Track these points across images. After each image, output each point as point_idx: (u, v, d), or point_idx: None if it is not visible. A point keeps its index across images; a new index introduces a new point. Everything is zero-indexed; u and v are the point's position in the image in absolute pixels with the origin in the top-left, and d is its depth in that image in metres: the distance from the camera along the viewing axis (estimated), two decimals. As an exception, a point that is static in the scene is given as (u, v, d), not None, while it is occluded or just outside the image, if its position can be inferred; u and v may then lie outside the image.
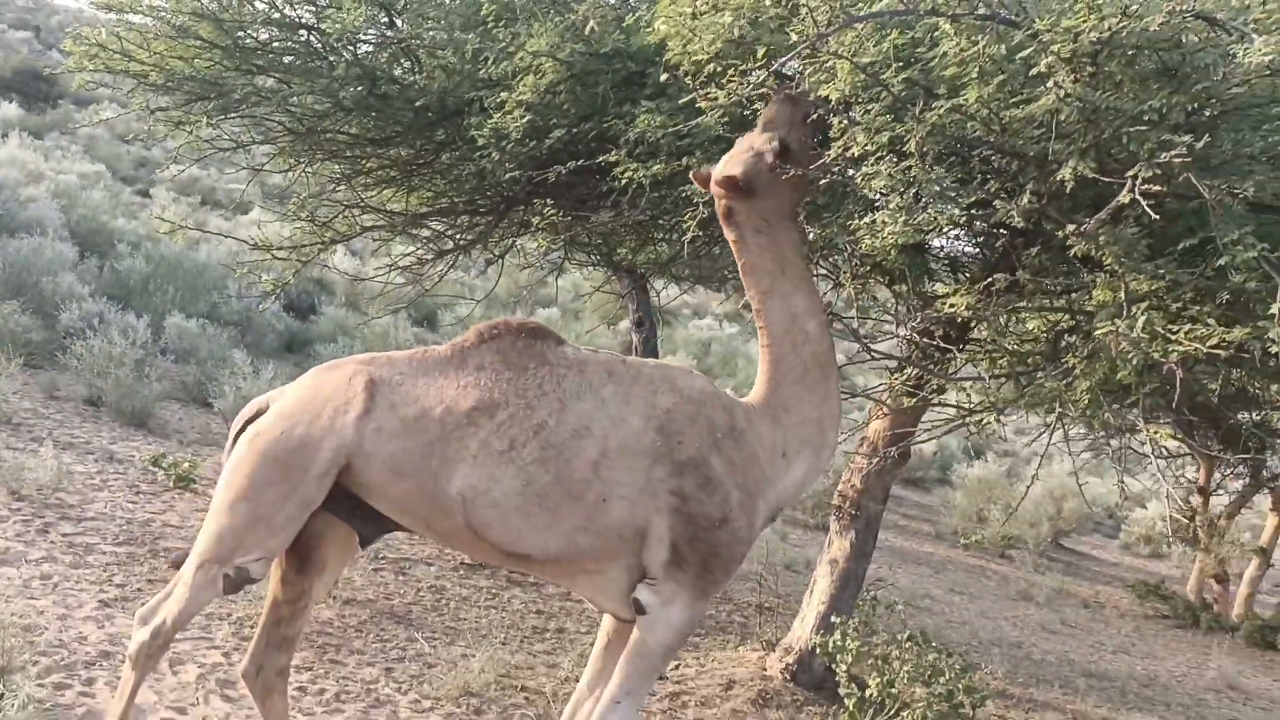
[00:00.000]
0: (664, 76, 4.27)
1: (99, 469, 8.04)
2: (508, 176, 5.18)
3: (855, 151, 3.35)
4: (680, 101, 4.43)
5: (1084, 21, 2.62)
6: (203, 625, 5.68)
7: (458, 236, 6.71)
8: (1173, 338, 3.01)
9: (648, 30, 4.53)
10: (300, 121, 5.86)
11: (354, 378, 3.81)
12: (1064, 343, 3.55)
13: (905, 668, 5.87)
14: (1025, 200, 3.03)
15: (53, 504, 6.92)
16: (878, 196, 3.51)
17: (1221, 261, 2.80)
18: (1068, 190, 2.91)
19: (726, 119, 4.26)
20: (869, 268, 4.06)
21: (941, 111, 3.00)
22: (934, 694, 5.84)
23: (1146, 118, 2.72)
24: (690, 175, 4.04)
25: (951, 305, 3.81)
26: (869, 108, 3.22)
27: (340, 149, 6.07)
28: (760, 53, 3.58)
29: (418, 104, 5.26)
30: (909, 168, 3.11)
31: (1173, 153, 2.55)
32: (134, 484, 7.91)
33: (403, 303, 8.73)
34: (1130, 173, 2.66)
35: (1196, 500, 13.34)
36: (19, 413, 8.83)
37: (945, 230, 3.15)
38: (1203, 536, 13.15)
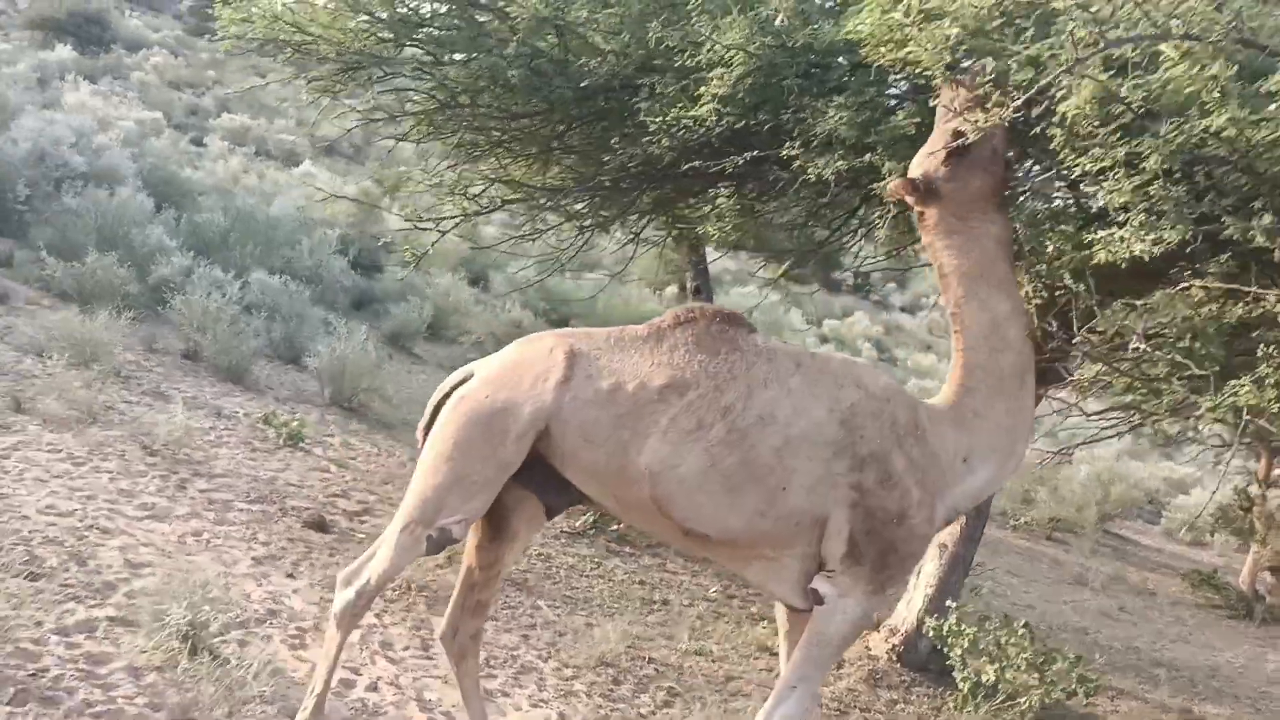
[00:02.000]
0: (847, 76, 4.40)
1: (211, 424, 8.22)
2: (670, 161, 5.28)
3: (1088, 166, 3.44)
4: (865, 98, 4.54)
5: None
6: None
7: (600, 212, 6.83)
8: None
9: (835, 27, 4.63)
10: (454, 95, 5.97)
11: (555, 349, 3.98)
12: (1259, 353, 3.63)
13: (1023, 655, 6.03)
14: (1267, 220, 3.13)
15: (182, 459, 7.10)
16: (1112, 212, 3.57)
17: None
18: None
19: (917, 119, 4.37)
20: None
21: (1189, 131, 3.10)
22: (1048, 682, 6.02)
23: None
24: (886, 192, 4.12)
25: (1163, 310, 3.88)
26: (1104, 125, 3.31)
27: (487, 122, 6.17)
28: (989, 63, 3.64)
29: (583, 84, 5.36)
30: (1148, 184, 3.22)
31: None
32: (247, 441, 8.10)
33: (525, 282, 8.51)
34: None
35: (1256, 491, 13.42)
36: (125, 365, 9.00)
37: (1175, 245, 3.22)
38: (1260, 528, 13.24)
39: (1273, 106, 3.17)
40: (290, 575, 5.92)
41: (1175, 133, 3.14)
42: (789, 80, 4.70)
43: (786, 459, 3.82)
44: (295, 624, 5.29)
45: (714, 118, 4.55)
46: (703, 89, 4.61)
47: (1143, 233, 3.23)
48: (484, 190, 6.68)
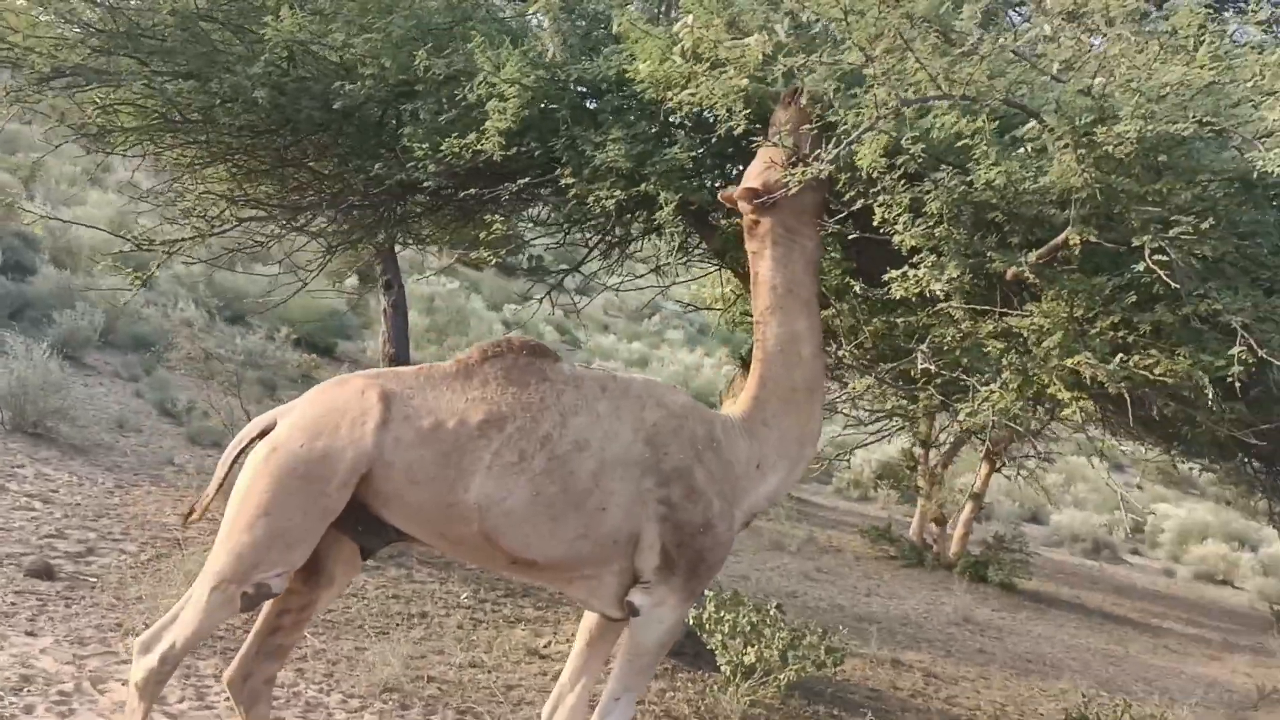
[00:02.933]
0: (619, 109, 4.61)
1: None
2: (436, 184, 5.26)
3: (879, 215, 3.83)
4: (637, 130, 4.75)
5: (1108, 129, 3.21)
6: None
7: (346, 230, 6.63)
8: (1125, 367, 3.73)
9: (604, 61, 4.80)
10: (180, 110, 5.64)
11: (366, 391, 3.96)
12: (1004, 361, 4.19)
13: (779, 634, 6.53)
14: (1033, 257, 3.62)
15: None
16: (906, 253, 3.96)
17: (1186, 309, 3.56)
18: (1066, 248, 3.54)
19: (692, 150, 4.63)
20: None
21: (968, 182, 3.53)
22: (802, 658, 6.55)
23: (1150, 199, 3.38)
24: (720, 197, 4.33)
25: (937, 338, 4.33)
26: (891, 176, 3.69)
27: (220, 137, 5.87)
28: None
29: (334, 105, 5.23)
30: (934, 228, 3.63)
31: (1177, 230, 3.22)
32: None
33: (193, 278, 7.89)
34: (1139, 242, 3.33)
35: (919, 451, 14.95)
36: None
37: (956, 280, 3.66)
38: (924, 484, 14.77)
39: (1021, 150, 3.66)
40: (31, 633, 5.43)
41: (954, 181, 3.56)
42: (561, 111, 4.82)
43: (603, 481, 4.00)
44: (56, 688, 4.88)
45: (497, 148, 4.59)
46: (485, 119, 4.64)
47: (936, 272, 3.64)
48: (222, 211, 6.35)
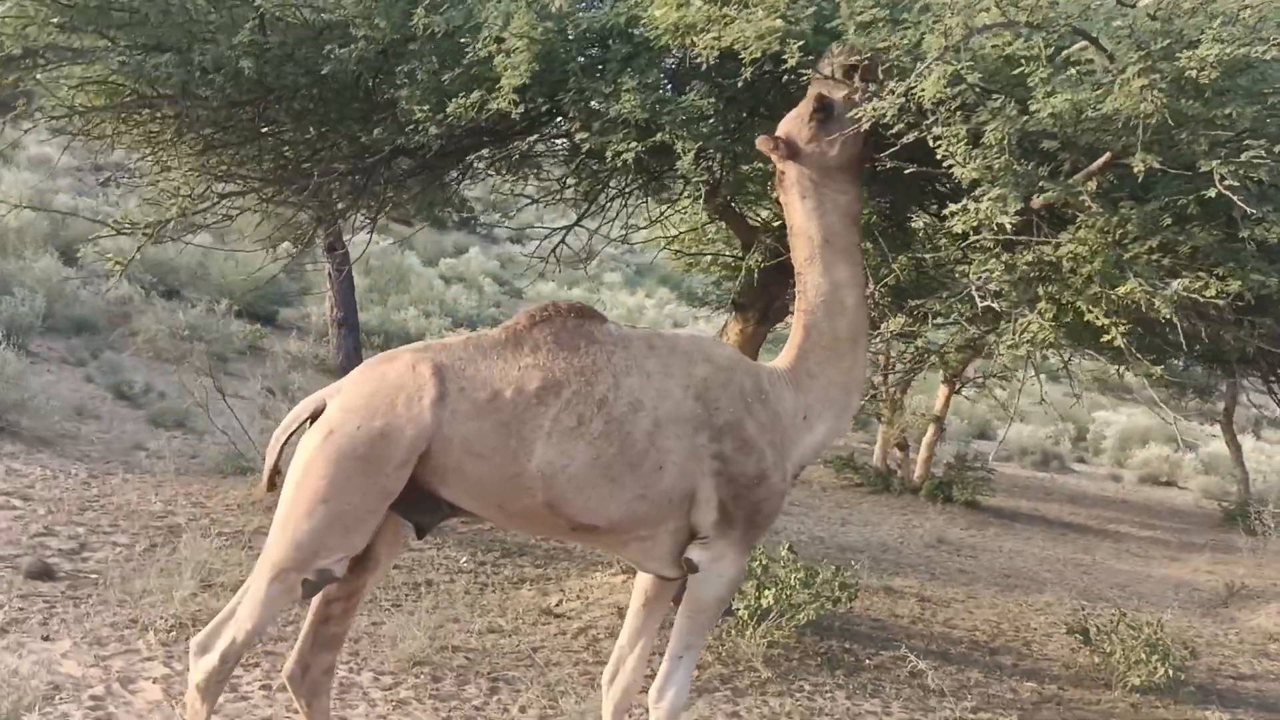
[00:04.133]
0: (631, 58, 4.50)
1: None
2: (437, 147, 5.10)
3: (942, 148, 3.78)
4: (649, 80, 4.64)
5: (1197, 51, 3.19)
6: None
7: (329, 200, 6.41)
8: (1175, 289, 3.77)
9: (613, 11, 4.67)
10: (153, 84, 5.39)
11: (417, 365, 3.86)
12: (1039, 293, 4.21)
13: (795, 575, 6.58)
14: (1092, 185, 3.60)
15: None
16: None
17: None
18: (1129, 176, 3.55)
19: (711, 98, 4.54)
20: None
21: (1030, 110, 3.50)
22: (820, 596, 6.62)
23: (1220, 123, 3.39)
24: (756, 143, 4.24)
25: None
26: (948, 107, 3.64)
27: (196, 113, 5.63)
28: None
29: (323, 71, 5.03)
30: (994, 159, 3.59)
31: (1249, 154, 3.23)
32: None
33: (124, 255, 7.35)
34: (1207, 168, 3.33)
35: (879, 379, 15.09)
36: None
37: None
38: (885, 410, 14.94)
39: (1072, 72, 3.62)
40: (47, 638, 5.27)
41: (1014, 110, 3.52)
42: (570, 63, 4.69)
43: (659, 440, 3.96)
44: (87, 693, 4.75)
45: (510, 105, 4.46)
46: (490, 76, 4.50)
47: (1000, 205, 3.61)
48: (205, 189, 6.10)
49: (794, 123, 4.17)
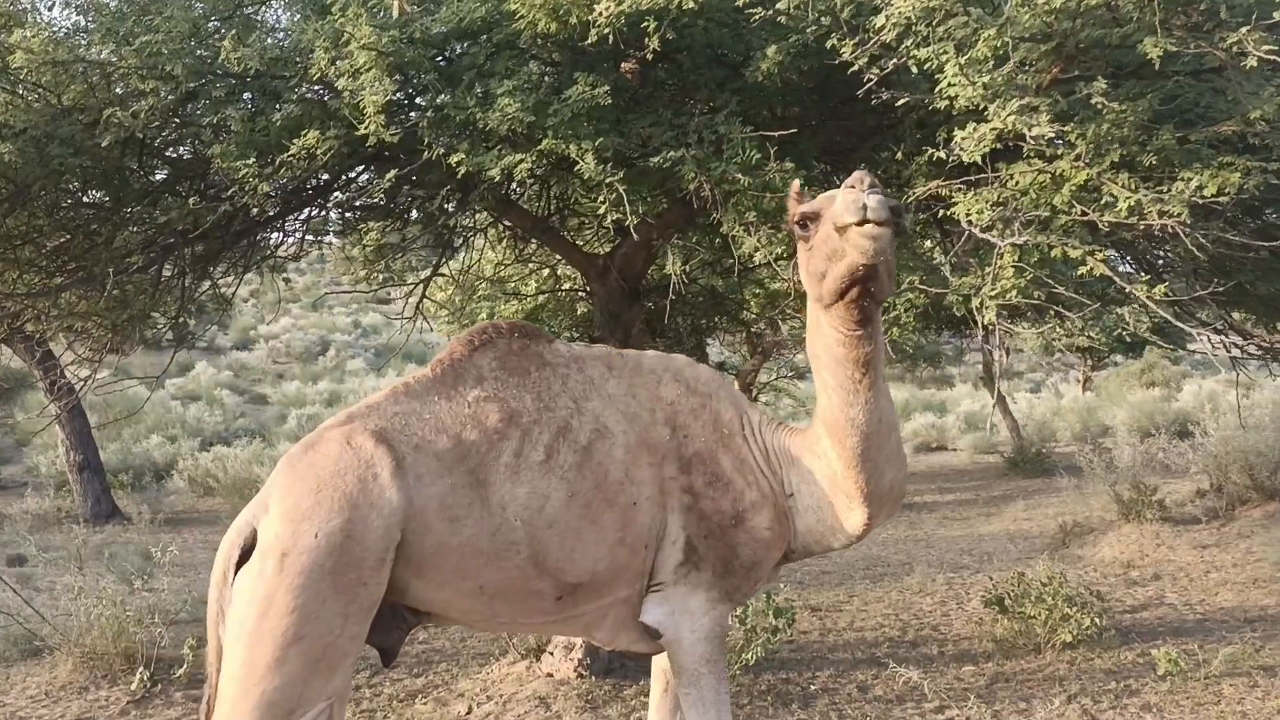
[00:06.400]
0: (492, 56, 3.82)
1: None
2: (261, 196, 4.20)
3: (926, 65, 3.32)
4: (524, 79, 3.98)
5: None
6: None
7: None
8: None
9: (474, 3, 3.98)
10: None
11: (353, 439, 3.16)
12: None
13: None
14: (1102, 85, 3.22)
15: None
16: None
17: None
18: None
19: (605, 87, 3.92)
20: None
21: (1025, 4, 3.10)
22: (752, 630, 6.10)
23: None
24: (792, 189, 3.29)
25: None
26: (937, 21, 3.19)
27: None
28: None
29: (102, 143, 4.06)
30: (990, 75, 3.17)
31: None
32: None
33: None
34: (1234, 39, 3.03)
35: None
36: None
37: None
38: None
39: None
40: None
41: (1011, 10, 3.13)
42: (426, 76, 3.96)
43: (632, 471, 3.38)
44: None
45: (378, 129, 3.67)
46: (323, 112, 3.71)
47: (1026, 117, 3.19)
48: None
49: (798, 204, 3.22)
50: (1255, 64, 3.04)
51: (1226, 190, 3.40)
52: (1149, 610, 8.15)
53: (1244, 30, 3.03)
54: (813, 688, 6.38)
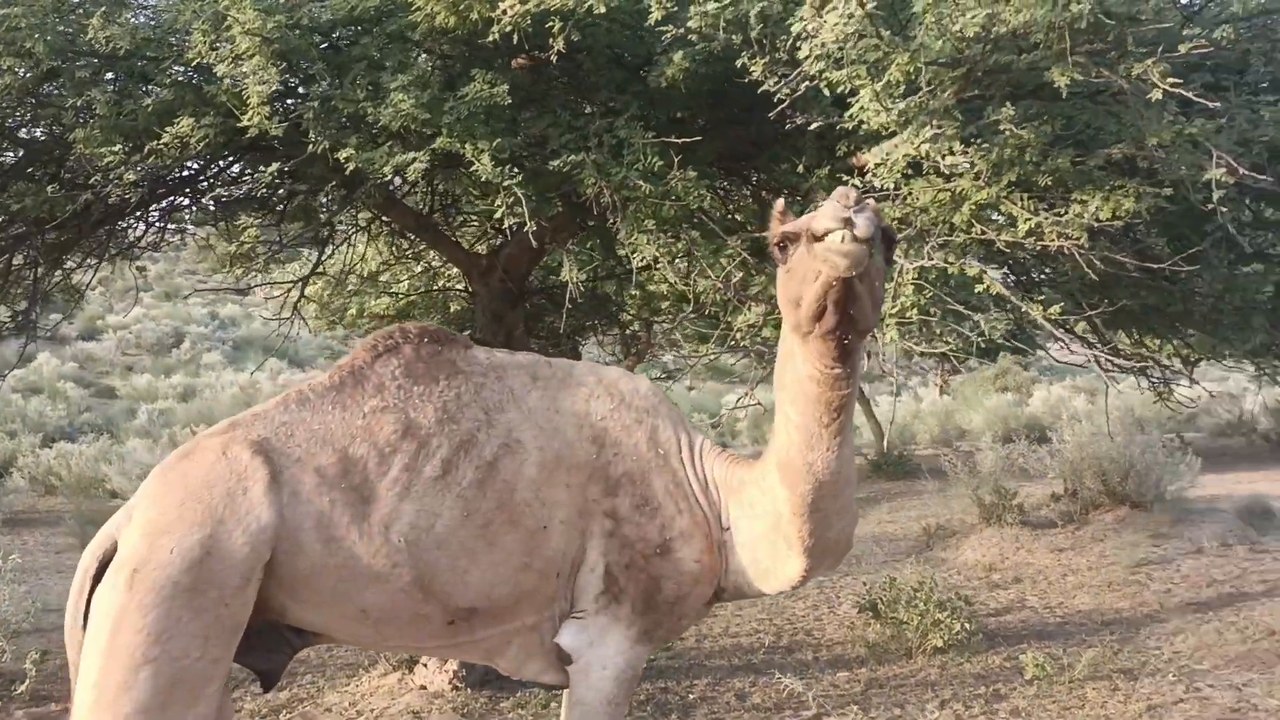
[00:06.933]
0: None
1: None
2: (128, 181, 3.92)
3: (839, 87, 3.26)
4: (418, 73, 3.81)
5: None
6: None
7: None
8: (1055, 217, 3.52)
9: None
10: None
11: (229, 449, 2.95)
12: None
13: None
14: (1009, 111, 3.21)
15: None
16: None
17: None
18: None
19: (505, 84, 3.77)
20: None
21: (952, 30, 3.06)
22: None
23: (1145, 18, 3.12)
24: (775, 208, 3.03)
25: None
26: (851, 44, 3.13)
27: None
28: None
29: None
30: (903, 100, 3.13)
31: (1190, 45, 2.99)
32: None
33: None
34: (1139, 70, 3.05)
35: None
36: None
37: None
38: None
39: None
40: None
41: (923, 38, 3.09)
42: (315, 66, 3.75)
43: (544, 491, 3.18)
44: None
45: (261, 120, 3.45)
46: (195, 97, 3.48)
47: (935, 143, 3.16)
48: None
49: (778, 223, 2.96)
50: (1160, 95, 3.08)
51: (1120, 214, 3.46)
52: (1012, 613, 8.36)
53: (1150, 61, 3.07)
54: (691, 696, 6.33)
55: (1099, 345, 5.77)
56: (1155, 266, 3.99)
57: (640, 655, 3.36)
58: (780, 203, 2.91)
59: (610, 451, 3.28)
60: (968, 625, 7.07)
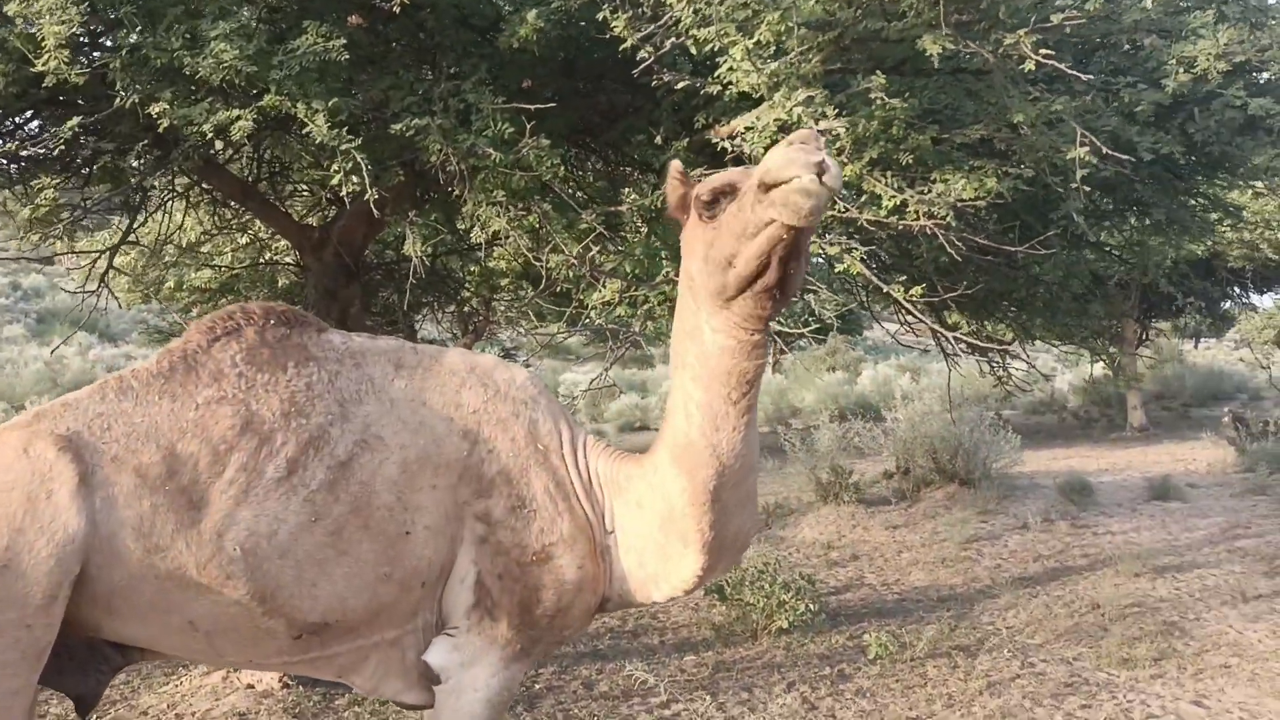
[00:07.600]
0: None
1: None
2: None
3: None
4: (240, 23, 3.45)
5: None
6: None
7: None
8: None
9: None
10: None
11: (32, 446, 2.59)
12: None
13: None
14: (880, 79, 3.08)
15: None
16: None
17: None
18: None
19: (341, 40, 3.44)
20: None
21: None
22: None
23: None
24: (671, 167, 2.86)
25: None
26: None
27: None
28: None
29: None
30: (774, 63, 2.96)
31: (1062, 17, 2.92)
32: None
33: None
34: (1012, 39, 2.96)
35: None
36: None
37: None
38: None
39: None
40: None
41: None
42: (122, 8, 3.34)
43: (406, 494, 2.88)
44: None
45: (62, 66, 3.04)
46: (25, 35, 3.06)
47: (807, 107, 3.01)
48: None
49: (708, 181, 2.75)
50: (1033, 67, 3.02)
51: (983, 194, 3.40)
52: (851, 591, 8.46)
53: (1021, 32, 3.00)
54: (537, 686, 6.13)
55: (941, 328, 5.81)
56: (1013, 250, 3.98)
57: (516, 675, 3.09)
58: (677, 164, 2.70)
59: (483, 448, 2.99)
60: (812, 606, 7.08)
